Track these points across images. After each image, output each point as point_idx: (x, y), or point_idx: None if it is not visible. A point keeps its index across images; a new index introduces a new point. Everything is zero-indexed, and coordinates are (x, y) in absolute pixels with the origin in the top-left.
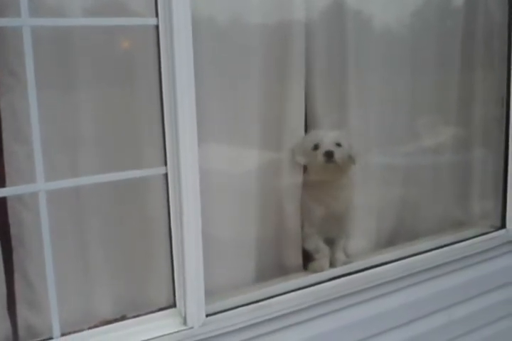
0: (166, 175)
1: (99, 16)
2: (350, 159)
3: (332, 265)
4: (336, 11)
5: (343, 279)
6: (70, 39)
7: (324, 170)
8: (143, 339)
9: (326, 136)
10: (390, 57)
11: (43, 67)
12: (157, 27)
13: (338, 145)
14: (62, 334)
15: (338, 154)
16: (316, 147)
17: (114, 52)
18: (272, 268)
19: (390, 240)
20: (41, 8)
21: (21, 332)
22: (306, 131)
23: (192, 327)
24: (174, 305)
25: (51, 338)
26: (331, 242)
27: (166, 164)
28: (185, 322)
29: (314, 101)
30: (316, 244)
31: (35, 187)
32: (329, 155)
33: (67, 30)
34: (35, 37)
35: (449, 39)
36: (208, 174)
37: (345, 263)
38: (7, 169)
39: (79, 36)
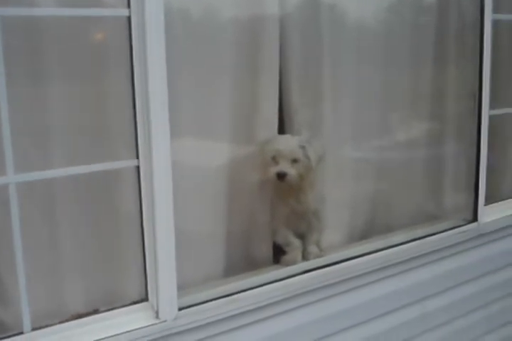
0: (137, 168)
1: (70, 7)
2: (309, 168)
3: (305, 258)
4: (311, 4)
5: (316, 272)
6: (40, 29)
7: (279, 183)
8: (115, 333)
9: (284, 149)
10: (364, 51)
11: (11, 58)
12: (129, 18)
13: (295, 161)
14: (33, 329)
15: (292, 174)
16: (273, 158)
17: (85, 43)
18: (244, 261)
19: (364, 233)
20: None
21: None
22: (279, 125)
23: (165, 321)
24: (147, 299)
25: (21, 333)
26: (302, 236)
27: (138, 157)
28: (157, 316)
29: (288, 95)
30: (285, 237)
31: (5, 180)
32: (281, 176)
33: (37, 20)
34: (3, 27)
35: (422, 34)
36: (180, 167)
37: (318, 257)
38: None
39: (49, 27)
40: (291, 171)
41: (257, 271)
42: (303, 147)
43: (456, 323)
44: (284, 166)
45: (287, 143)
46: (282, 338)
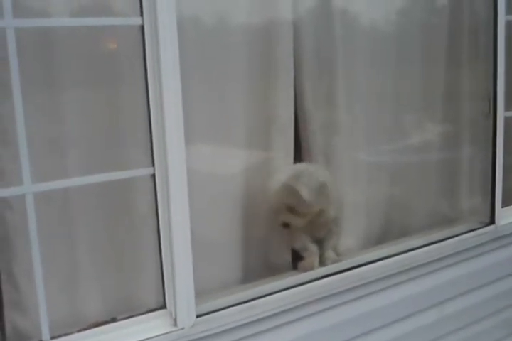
0: (153, 176)
1: (83, 17)
2: (312, 205)
3: (322, 263)
4: (324, 8)
5: (333, 277)
6: (54, 40)
7: None
8: None
9: (277, 202)
10: (378, 54)
11: (27, 69)
12: (142, 27)
13: (293, 209)
14: (52, 338)
15: (295, 222)
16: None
17: (99, 52)
18: (261, 267)
19: (381, 238)
20: (24, 8)
21: (9, 335)
22: (295, 130)
23: (183, 328)
24: (164, 306)
25: None
26: (319, 241)
27: (153, 165)
28: (175, 323)
29: (303, 99)
30: (303, 243)
31: (22, 190)
32: (285, 226)
33: (51, 30)
34: (19, 37)
35: (435, 36)
36: (196, 174)
37: (335, 262)
38: None
39: (63, 37)
40: (294, 220)
41: (274, 277)
42: (296, 192)
43: (474, 327)
44: (286, 217)
45: (281, 196)
46: None
